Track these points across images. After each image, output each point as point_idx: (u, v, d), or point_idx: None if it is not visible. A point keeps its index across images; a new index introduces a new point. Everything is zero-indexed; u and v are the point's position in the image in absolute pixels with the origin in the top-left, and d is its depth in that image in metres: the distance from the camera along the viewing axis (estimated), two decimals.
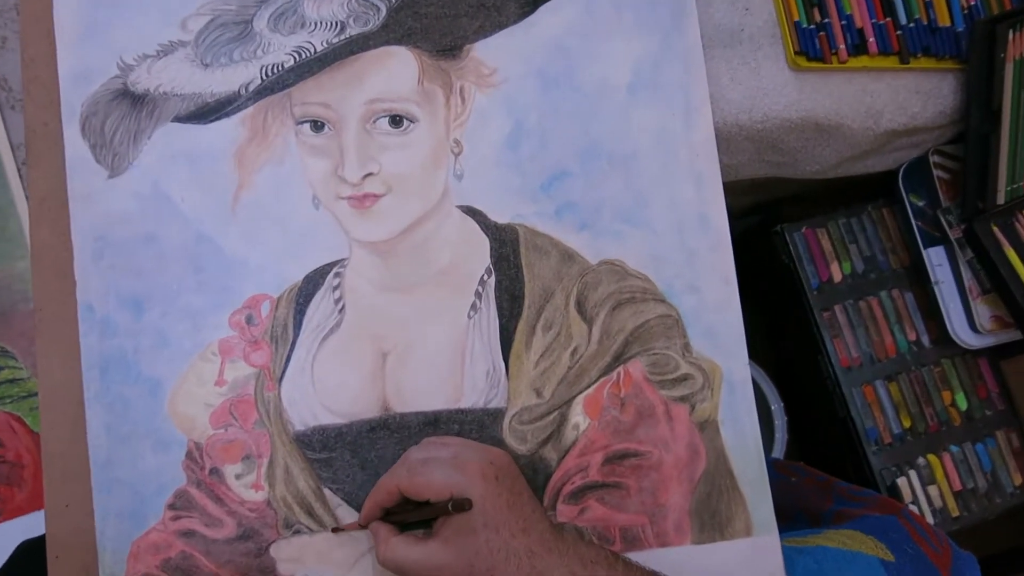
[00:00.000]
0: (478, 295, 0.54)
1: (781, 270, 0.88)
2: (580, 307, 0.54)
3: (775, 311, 0.95)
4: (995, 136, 0.66)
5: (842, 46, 0.63)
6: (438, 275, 0.54)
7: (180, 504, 0.50)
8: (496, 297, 0.54)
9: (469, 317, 0.54)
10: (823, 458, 0.92)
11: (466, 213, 0.55)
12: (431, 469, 0.44)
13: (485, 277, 0.54)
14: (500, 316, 0.54)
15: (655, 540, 0.51)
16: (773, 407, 0.97)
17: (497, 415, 0.51)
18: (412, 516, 0.46)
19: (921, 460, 0.79)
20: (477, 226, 0.55)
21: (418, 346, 0.53)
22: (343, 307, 0.55)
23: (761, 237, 0.91)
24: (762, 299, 0.94)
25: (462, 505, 0.42)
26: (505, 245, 0.54)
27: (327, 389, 0.52)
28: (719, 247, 0.58)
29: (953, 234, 0.74)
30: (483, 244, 0.55)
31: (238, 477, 0.52)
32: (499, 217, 0.56)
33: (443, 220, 0.54)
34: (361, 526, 0.49)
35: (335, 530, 0.49)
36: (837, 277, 0.83)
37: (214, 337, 0.53)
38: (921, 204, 0.77)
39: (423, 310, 0.54)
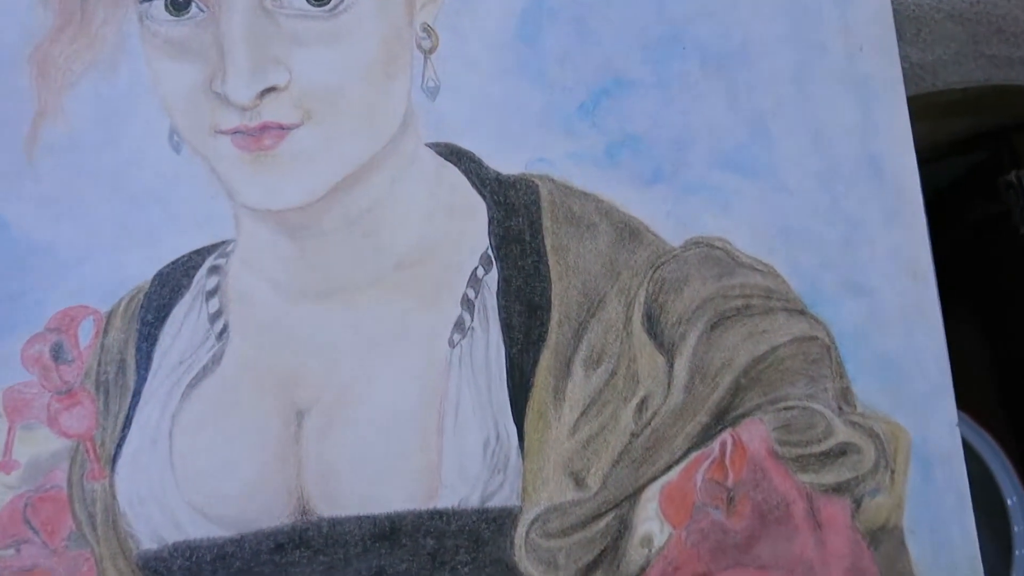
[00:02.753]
0: (467, 305, 0.55)
1: (1018, 251, 0.87)
2: (652, 324, 0.55)
3: (1007, 327, 0.93)
4: None
5: None
6: (395, 270, 0.56)
7: None
8: (501, 307, 0.55)
9: (452, 345, 0.55)
10: None
11: (445, 158, 0.56)
12: None
13: (480, 272, 0.55)
14: (508, 342, 0.55)
15: None
16: (1008, 502, 0.96)
17: (504, 521, 0.53)
18: None
19: None
20: (465, 180, 0.56)
21: (360, 399, 0.54)
22: (225, 329, 0.55)
23: (980, 192, 0.89)
24: (983, 304, 0.93)
25: None
26: (516, 214, 0.55)
27: (197, 476, 0.53)
28: (904, 213, 0.58)
29: None
30: (476, 213, 0.56)
31: None
32: (505, 163, 0.57)
33: (404, 170, 0.56)
34: None
35: None
36: None
37: None
38: None
39: (369, 334, 0.55)
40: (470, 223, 0.56)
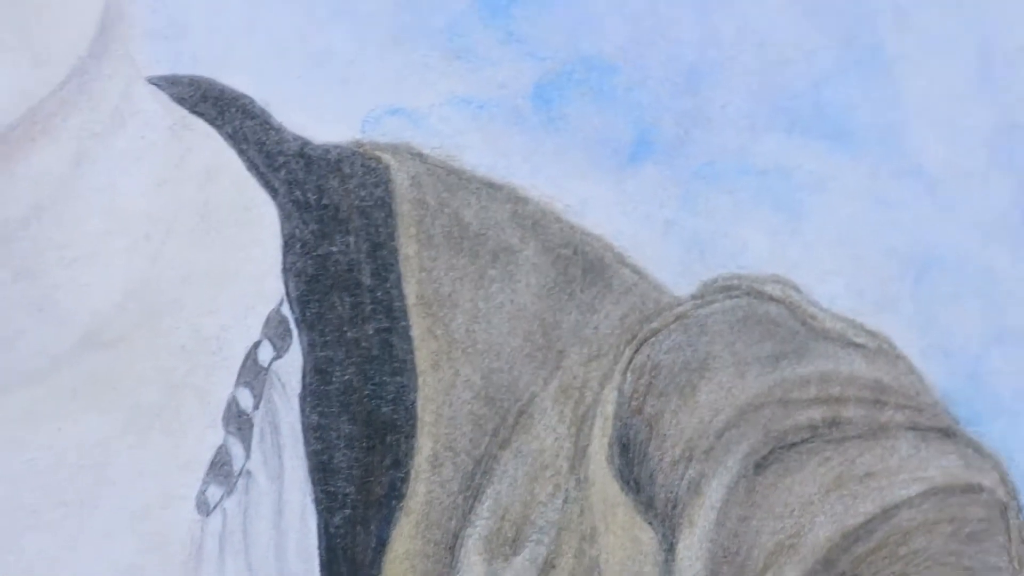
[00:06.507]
0: (237, 424, 0.48)
1: None
2: (630, 461, 0.47)
3: None
4: None
5: None
6: (83, 351, 0.49)
7: None
8: (309, 428, 0.47)
9: (205, 510, 0.48)
10: None
11: (192, 110, 0.49)
12: None
13: (265, 353, 0.49)
14: (325, 500, 0.47)
15: None
16: None
17: None
18: None
19: None
20: (234, 157, 0.48)
21: None
22: None
23: None
24: None
25: None
26: (341, 228, 0.49)
27: None
28: None
29: None
30: (256, 226, 0.48)
31: None
32: (322, 120, 0.47)
33: (101, 137, 0.49)
34: None
35: None
36: None
37: None
38: None
39: (26, 488, 0.48)
40: (245, 248, 0.49)
